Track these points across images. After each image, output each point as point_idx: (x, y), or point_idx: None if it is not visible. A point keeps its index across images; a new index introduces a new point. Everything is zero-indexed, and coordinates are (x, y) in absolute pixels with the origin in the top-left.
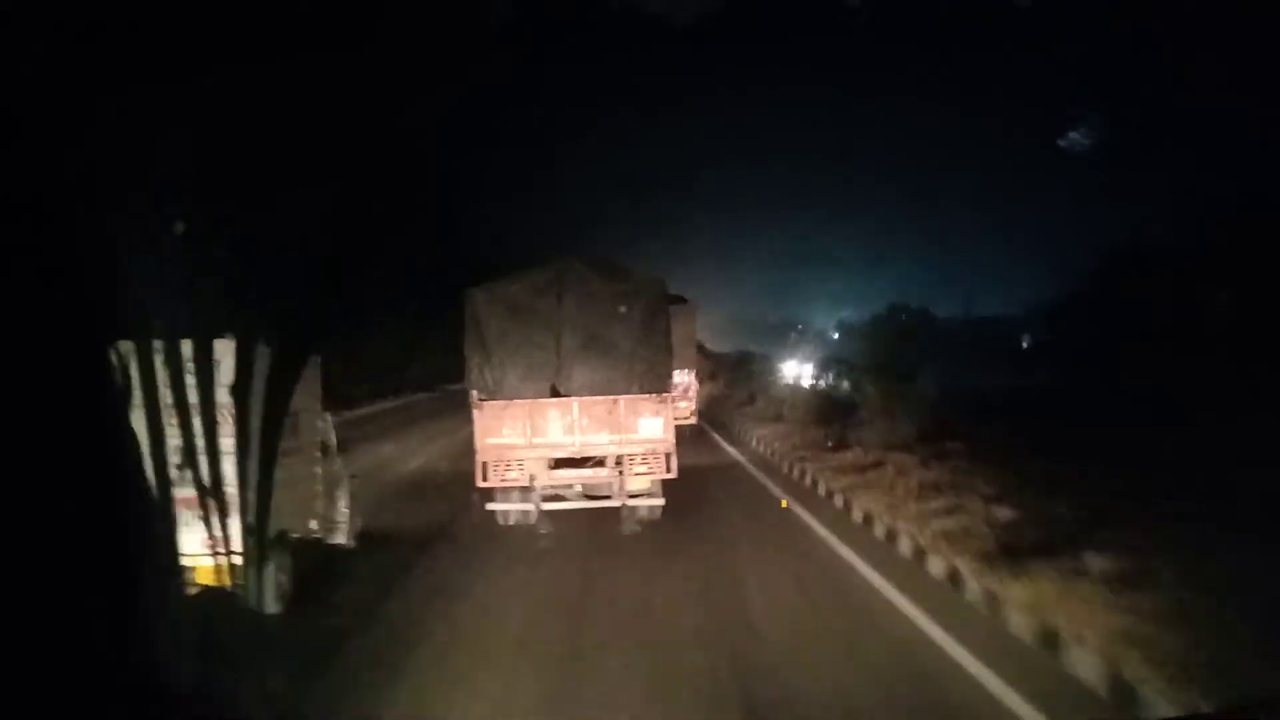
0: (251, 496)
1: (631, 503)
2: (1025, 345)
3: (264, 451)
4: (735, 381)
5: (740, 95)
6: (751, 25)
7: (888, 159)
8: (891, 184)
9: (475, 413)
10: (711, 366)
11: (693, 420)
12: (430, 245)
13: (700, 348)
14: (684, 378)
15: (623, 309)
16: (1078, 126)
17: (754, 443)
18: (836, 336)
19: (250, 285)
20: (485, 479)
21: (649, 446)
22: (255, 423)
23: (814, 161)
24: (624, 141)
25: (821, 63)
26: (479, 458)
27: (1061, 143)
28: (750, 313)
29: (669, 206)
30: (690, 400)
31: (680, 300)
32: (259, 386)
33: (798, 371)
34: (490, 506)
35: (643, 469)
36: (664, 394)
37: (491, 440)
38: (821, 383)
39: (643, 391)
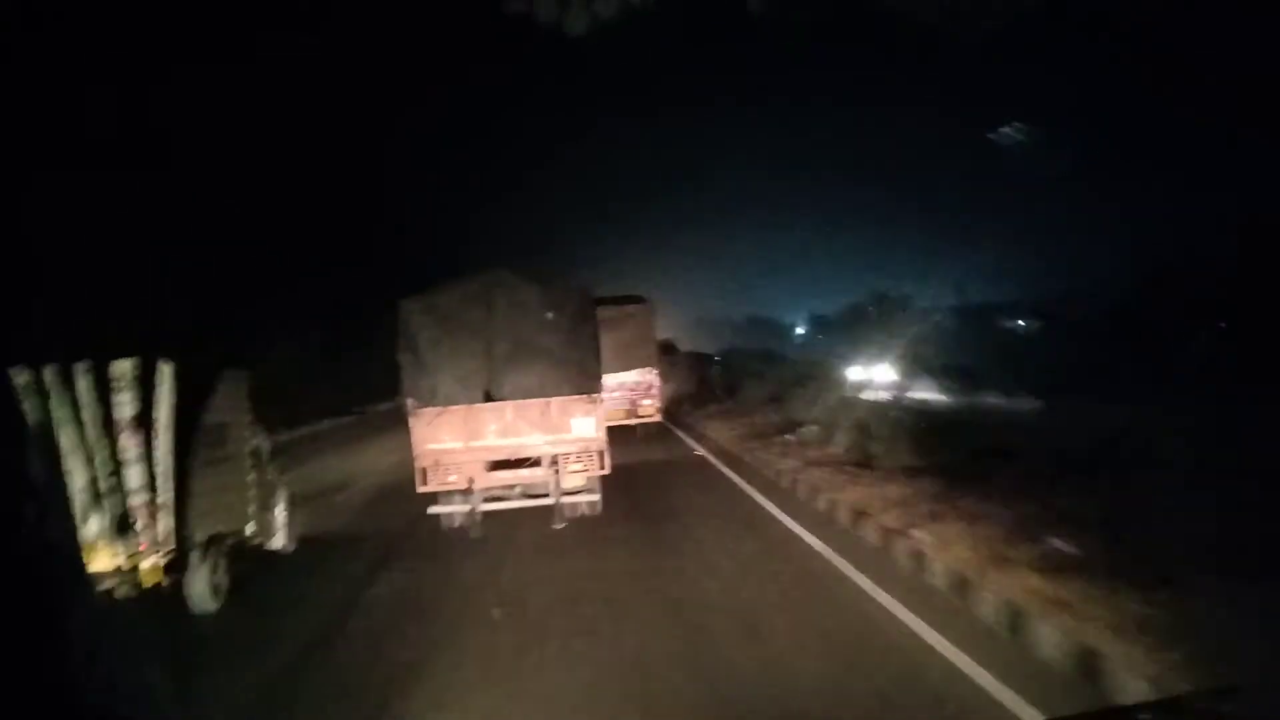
0: (182, 503)
1: (567, 499)
2: (1020, 329)
3: (193, 460)
4: (738, 391)
5: (702, 92)
6: (709, 18)
7: (849, 152)
8: (855, 176)
9: (412, 420)
10: (700, 370)
11: (658, 418)
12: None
13: (671, 348)
14: (646, 376)
15: (550, 315)
16: (1011, 122)
17: (838, 513)
18: (802, 331)
19: (173, 306)
20: (425, 484)
21: (582, 445)
22: (180, 435)
23: (776, 157)
24: (579, 143)
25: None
26: (418, 463)
27: (991, 135)
28: (716, 311)
29: (626, 207)
30: (654, 398)
31: (638, 300)
32: (185, 402)
33: (867, 376)
34: (432, 510)
35: (577, 467)
36: (594, 394)
37: (430, 446)
38: (899, 394)
39: (573, 393)
